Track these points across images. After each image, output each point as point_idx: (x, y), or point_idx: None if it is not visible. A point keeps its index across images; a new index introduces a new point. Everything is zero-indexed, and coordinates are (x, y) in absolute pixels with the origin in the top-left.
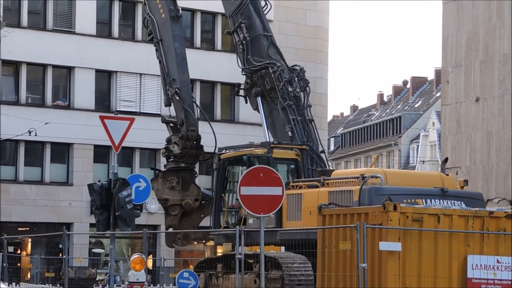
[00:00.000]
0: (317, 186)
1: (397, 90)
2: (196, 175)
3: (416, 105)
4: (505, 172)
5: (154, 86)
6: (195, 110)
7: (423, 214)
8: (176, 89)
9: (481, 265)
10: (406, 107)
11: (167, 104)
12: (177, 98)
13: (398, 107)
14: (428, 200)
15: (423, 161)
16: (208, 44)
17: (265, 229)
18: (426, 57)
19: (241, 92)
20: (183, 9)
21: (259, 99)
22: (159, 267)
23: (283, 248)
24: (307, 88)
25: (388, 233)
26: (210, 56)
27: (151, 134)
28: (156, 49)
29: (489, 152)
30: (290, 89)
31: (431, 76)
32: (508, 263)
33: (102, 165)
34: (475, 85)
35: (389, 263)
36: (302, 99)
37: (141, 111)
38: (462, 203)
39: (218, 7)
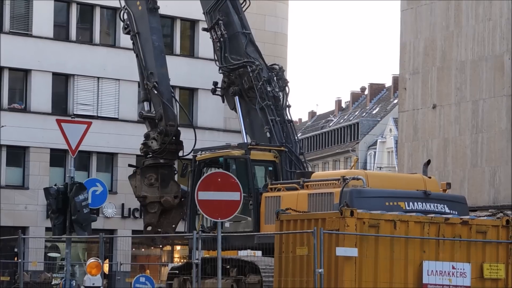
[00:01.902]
0: (296, 189)
1: (355, 97)
2: (176, 171)
3: (374, 112)
4: (461, 179)
5: (112, 89)
6: (174, 105)
7: (379, 220)
8: (154, 83)
9: (436, 271)
10: (364, 114)
11: (145, 99)
12: (155, 92)
13: (356, 113)
14: (411, 203)
15: (380, 168)
16: (167, 48)
17: (225, 234)
18: (384, 64)
19: (218, 91)
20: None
21: (236, 98)
22: (115, 272)
23: (259, 252)
24: (286, 88)
25: (344, 239)
26: (169, 60)
27: (109, 138)
28: (133, 43)
29: (446, 159)
30: (269, 88)
31: (388, 83)
32: (463, 269)
33: (59, 169)
34: (432, 92)
35: (345, 268)
36: (281, 99)
37: (99, 114)
38: (445, 206)
39: (177, 12)
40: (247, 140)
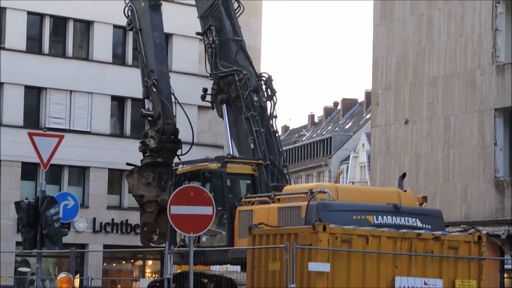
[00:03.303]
0: (267, 202)
1: (328, 112)
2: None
3: (347, 127)
4: (433, 194)
5: (84, 103)
6: (173, 103)
7: (352, 235)
8: (154, 81)
9: (408, 286)
10: (337, 128)
11: (145, 96)
12: (155, 90)
13: (329, 128)
14: (380, 217)
15: (353, 182)
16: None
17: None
18: (356, 79)
19: (208, 98)
20: (116, 26)
21: (224, 106)
22: (86, 287)
23: (238, 267)
24: (274, 98)
25: (317, 254)
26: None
27: (80, 152)
28: (135, 39)
29: (418, 174)
30: (255, 98)
31: (361, 98)
32: (435, 285)
33: (30, 182)
34: (405, 108)
35: (318, 283)
36: (269, 109)
37: (71, 128)
38: (417, 220)
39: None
40: (232, 150)
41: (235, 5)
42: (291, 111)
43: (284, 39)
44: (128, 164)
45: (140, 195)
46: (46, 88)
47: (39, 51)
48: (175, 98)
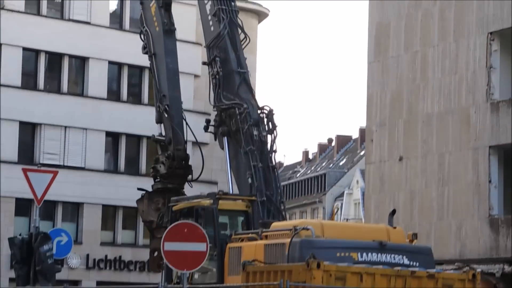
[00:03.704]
0: (255, 239)
1: (322, 148)
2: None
3: (341, 163)
4: (428, 232)
5: (79, 139)
6: (185, 130)
7: (346, 272)
8: (166, 106)
9: None
10: (331, 165)
11: (158, 121)
12: (166, 115)
13: (323, 164)
14: (364, 254)
15: (347, 219)
16: (135, 97)
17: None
18: (350, 116)
19: (211, 129)
20: (111, 62)
21: (225, 139)
22: None
23: None
24: (275, 132)
25: None
26: (137, 109)
27: (74, 188)
28: (150, 63)
29: (412, 211)
30: (255, 132)
31: (355, 134)
32: None
33: (24, 218)
34: (399, 145)
35: None
36: (269, 143)
37: (65, 164)
38: (404, 257)
39: (145, 62)
40: (231, 184)
41: (241, 36)
42: (285, 147)
43: (278, 76)
44: (139, 189)
45: (149, 221)
46: (40, 124)
47: (34, 87)
48: (187, 124)
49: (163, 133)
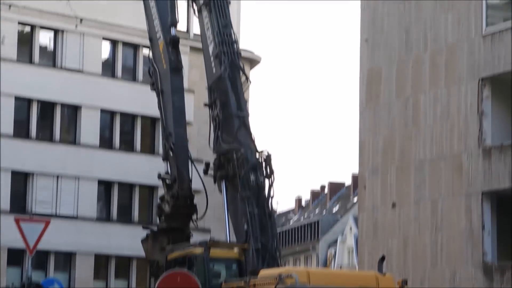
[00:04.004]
0: (244, 287)
1: (315, 195)
2: (191, 235)
3: (334, 210)
4: (421, 279)
5: (71, 187)
6: (191, 168)
7: None
8: (171, 144)
9: None
10: (324, 212)
11: (164, 158)
12: (171, 154)
13: (316, 211)
14: None
15: (341, 267)
16: (128, 145)
17: None
18: (343, 163)
19: (211, 172)
20: (103, 110)
21: (223, 183)
22: None
23: None
24: (272, 177)
25: None
26: (129, 157)
27: (67, 237)
28: (158, 100)
29: (406, 258)
30: (252, 177)
31: (348, 181)
32: None
33: (16, 268)
34: (392, 191)
35: None
36: (266, 188)
37: (57, 213)
38: None
39: (138, 110)
40: (228, 230)
41: (243, 78)
42: (278, 194)
43: (271, 122)
44: (144, 227)
45: (154, 260)
46: (33, 173)
47: (27, 136)
48: (192, 163)
49: (169, 171)
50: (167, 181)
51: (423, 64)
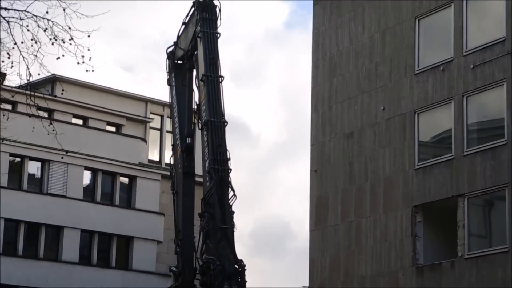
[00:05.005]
0: None
1: None
2: None
3: None
4: None
5: None
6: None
7: None
8: (179, 241)
9: None
10: None
11: (176, 253)
12: (178, 249)
13: None
14: None
15: None
16: (104, 262)
17: None
18: (294, 279)
19: (197, 276)
20: (83, 230)
21: None
22: None
23: None
24: (245, 286)
25: None
26: (105, 273)
27: None
28: (173, 199)
29: None
30: (225, 286)
31: None
32: None
33: None
34: None
35: None
36: None
37: None
38: None
39: (114, 230)
40: None
41: (231, 193)
42: None
43: None
44: None
45: None
46: (18, 287)
47: (14, 254)
48: (197, 259)
49: (177, 264)
50: (176, 273)
51: (364, 193)
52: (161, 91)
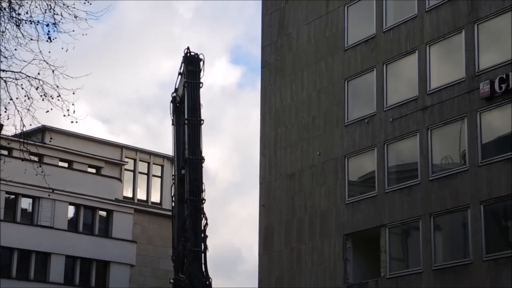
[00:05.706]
0: None
1: None
2: None
3: None
4: None
5: None
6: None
7: None
8: (174, 257)
9: None
10: None
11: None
12: (173, 264)
13: None
14: None
15: None
16: (86, 283)
17: None
18: None
19: None
20: (68, 256)
21: None
22: None
23: None
24: None
25: None
26: None
27: None
28: (172, 221)
29: None
30: None
31: None
32: None
33: None
34: None
35: None
36: None
37: None
38: None
39: (93, 255)
40: None
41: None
42: None
43: None
44: None
45: None
46: None
47: (9, 276)
48: (170, 279)
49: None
50: (173, 284)
51: (304, 223)
52: (134, 139)
